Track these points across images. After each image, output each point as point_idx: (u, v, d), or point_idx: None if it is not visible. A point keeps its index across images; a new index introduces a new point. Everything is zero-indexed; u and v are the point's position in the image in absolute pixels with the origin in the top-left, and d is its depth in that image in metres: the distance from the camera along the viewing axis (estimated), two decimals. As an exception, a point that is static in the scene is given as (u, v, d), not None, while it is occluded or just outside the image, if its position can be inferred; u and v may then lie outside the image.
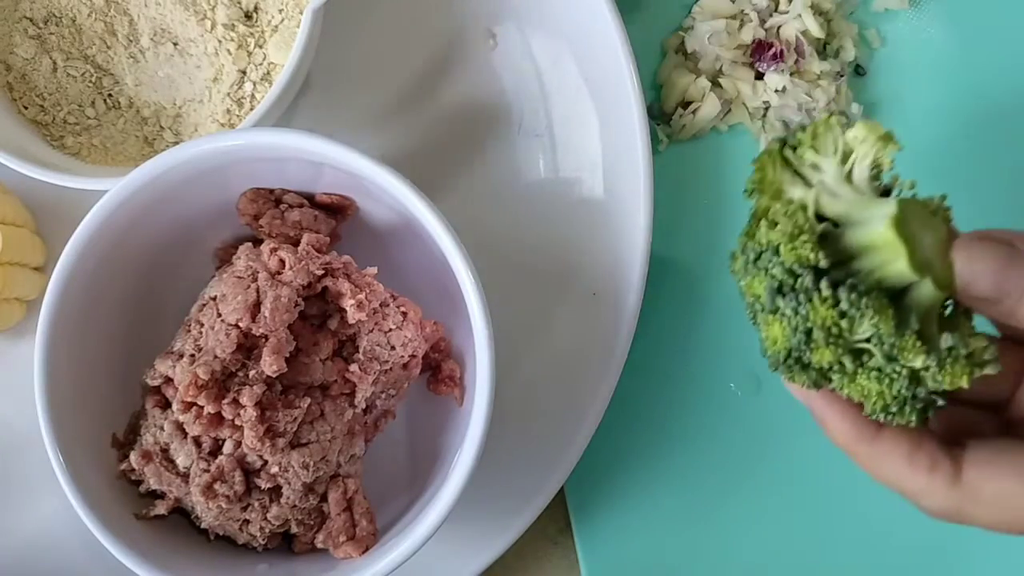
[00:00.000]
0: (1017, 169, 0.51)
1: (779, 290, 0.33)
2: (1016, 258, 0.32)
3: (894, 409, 0.33)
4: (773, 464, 0.52)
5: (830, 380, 0.34)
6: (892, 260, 0.32)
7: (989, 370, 0.32)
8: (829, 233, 0.34)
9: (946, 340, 0.32)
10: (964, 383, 0.32)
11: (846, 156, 0.35)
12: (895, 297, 0.33)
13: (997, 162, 0.51)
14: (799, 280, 0.33)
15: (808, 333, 0.33)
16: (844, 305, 0.32)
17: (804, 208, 0.34)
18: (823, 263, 0.32)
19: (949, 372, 0.32)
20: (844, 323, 0.32)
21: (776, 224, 0.33)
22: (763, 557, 0.51)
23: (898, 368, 0.32)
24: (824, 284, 0.32)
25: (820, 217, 0.34)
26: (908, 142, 0.51)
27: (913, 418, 0.33)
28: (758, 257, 0.34)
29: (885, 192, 0.35)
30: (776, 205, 0.34)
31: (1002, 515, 0.35)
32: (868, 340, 0.32)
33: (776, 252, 0.33)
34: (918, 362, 0.32)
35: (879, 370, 0.33)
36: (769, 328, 0.34)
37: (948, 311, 0.34)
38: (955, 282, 0.32)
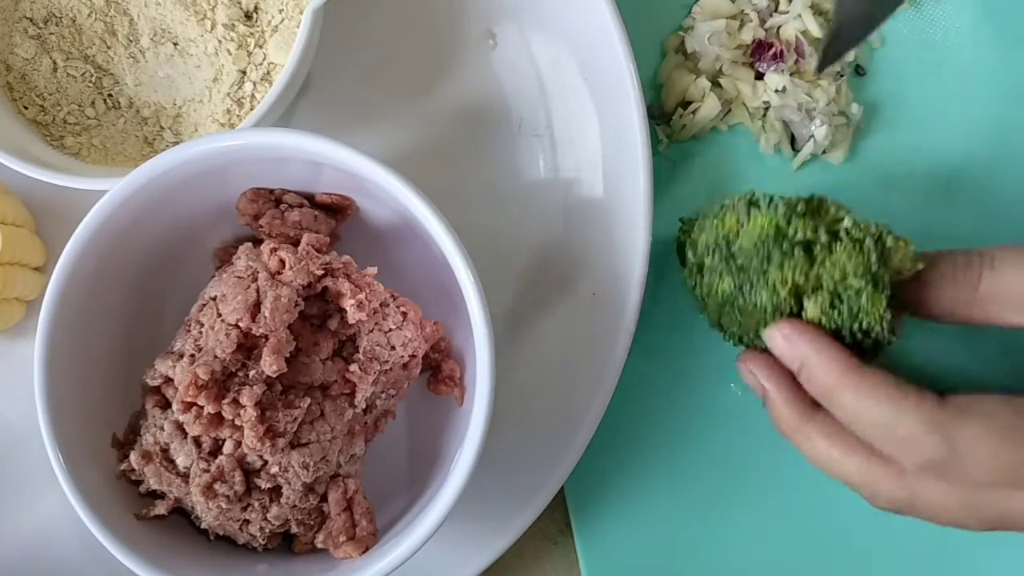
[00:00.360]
0: (1017, 167, 0.51)
1: (752, 202, 0.41)
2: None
3: (872, 277, 0.39)
4: (773, 464, 0.52)
5: (812, 264, 0.40)
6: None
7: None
8: None
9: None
10: (911, 251, 0.39)
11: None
12: None
13: (997, 161, 0.51)
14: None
15: (790, 215, 0.40)
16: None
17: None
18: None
19: (903, 246, 0.39)
20: (810, 212, 0.40)
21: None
22: (763, 557, 0.51)
23: (860, 233, 0.39)
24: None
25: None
26: (908, 142, 0.52)
27: (886, 295, 0.39)
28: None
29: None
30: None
31: (990, 430, 0.37)
32: (839, 221, 0.40)
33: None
34: (872, 227, 0.39)
35: (849, 235, 0.39)
36: (754, 221, 0.40)
37: None
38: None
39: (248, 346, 0.41)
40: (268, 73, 0.47)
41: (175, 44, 0.47)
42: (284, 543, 0.44)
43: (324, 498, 0.43)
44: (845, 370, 0.39)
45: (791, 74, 0.51)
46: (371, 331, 0.43)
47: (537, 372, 0.48)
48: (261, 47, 0.47)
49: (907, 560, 0.51)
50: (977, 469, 0.38)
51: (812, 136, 0.50)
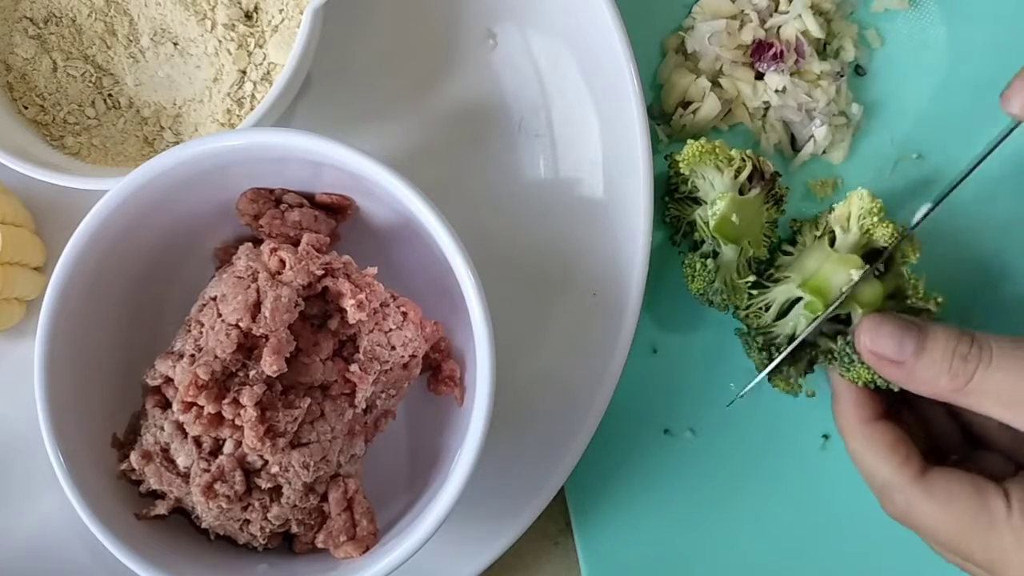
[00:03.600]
0: (1016, 168, 0.51)
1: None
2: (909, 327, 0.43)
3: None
4: (773, 464, 0.52)
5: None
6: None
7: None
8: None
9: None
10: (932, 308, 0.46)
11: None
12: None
13: (996, 161, 0.51)
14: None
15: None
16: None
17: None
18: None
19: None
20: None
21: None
22: (763, 557, 0.51)
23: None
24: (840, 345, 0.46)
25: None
26: (908, 142, 0.52)
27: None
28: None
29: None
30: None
31: (946, 516, 0.41)
32: None
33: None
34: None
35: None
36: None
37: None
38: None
39: (248, 346, 0.41)
40: (268, 73, 0.47)
41: (175, 44, 0.47)
42: (284, 543, 0.44)
43: (324, 498, 0.43)
44: (858, 419, 0.45)
45: (791, 74, 0.51)
46: (371, 331, 0.43)
47: (537, 372, 0.48)
48: (261, 47, 0.47)
49: (906, 562, 0.51)
50: (929, 538, 0.43)
51: (812, 136, 0.50)
